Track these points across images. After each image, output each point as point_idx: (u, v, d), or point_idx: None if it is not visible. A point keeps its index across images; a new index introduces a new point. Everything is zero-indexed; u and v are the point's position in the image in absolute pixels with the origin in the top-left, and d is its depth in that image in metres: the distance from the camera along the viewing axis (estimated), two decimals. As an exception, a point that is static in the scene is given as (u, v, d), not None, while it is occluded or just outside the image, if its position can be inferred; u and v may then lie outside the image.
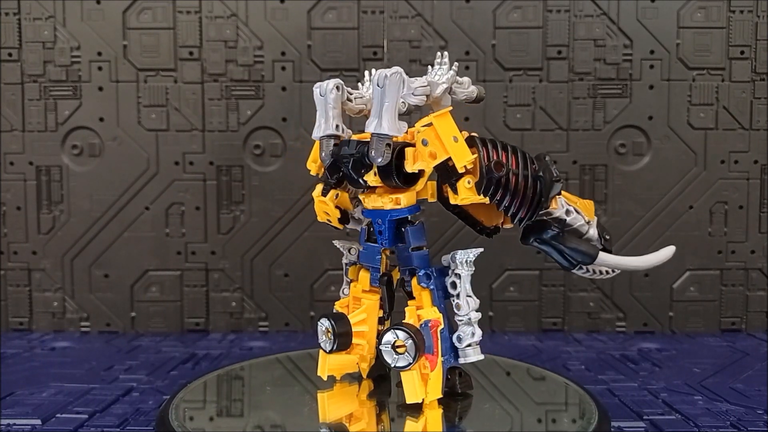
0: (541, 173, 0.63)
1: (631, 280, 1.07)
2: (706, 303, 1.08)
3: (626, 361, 0.92)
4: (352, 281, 0.70)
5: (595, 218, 0.70)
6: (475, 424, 0.63)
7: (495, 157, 0.62)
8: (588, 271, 0.70)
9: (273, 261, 1.07)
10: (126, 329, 1.08)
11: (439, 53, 0.66)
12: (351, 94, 0.66)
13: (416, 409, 0.62)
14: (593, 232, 0.69)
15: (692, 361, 0.92)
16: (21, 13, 1.05)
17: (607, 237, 0.70)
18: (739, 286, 1.07)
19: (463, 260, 0.64)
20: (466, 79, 0.68)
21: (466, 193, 0.62)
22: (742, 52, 1.05)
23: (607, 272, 0.72)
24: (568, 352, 0.96)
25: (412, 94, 0.63)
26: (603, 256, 0.68)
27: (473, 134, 0.64)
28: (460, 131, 0.62)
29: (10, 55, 1.05)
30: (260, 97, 1.06)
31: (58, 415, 0.71)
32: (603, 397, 0.74)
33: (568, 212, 0.67)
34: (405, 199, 0.63)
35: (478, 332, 0.63)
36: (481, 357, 0.64)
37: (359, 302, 0.68)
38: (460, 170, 0.61)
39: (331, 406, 0.68)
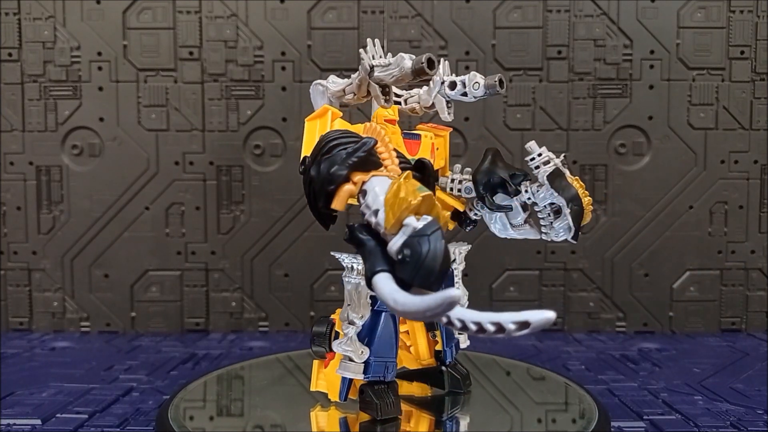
0: (310, 167, 0.52)
1: (631, 280, 1.07)
2: (706, 303, 1.08)
3: (626, 361, 0.92)
4: None
5: (416, 224, 0.45)
6: (475, 425, 0.63)
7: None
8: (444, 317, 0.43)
9: (273, 261, 1.07)
10: (126, 329, 1.08)
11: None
12: (399, 96, 0.63)
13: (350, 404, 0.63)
14: (394, 242, 0.46)
15: (692, 361, 0.92)
16: (21, 13, 1.05)
17: (401, 256, 0.45)
18: (739, 286, 1.07)
19: (347, 264, 0.57)
20: (391, 58, 0.58)
21: None
22: (742, 52, 1.05)
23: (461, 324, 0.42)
24: (568, 352, 0.96)
25: (344, 95, 0.62)
26: (378, 281, 0.45)
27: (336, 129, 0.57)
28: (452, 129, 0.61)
29: (10, 55, 1.05)
30: (260, 97, 1.06)
31: (58, 415, 0.71)
32: (603, 397, 0.74)
33: (377, 213, 0.48)
34: None
35: (353, 348, 0.57)
36: (354, 376, 0.59)
37: None
38: None
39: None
